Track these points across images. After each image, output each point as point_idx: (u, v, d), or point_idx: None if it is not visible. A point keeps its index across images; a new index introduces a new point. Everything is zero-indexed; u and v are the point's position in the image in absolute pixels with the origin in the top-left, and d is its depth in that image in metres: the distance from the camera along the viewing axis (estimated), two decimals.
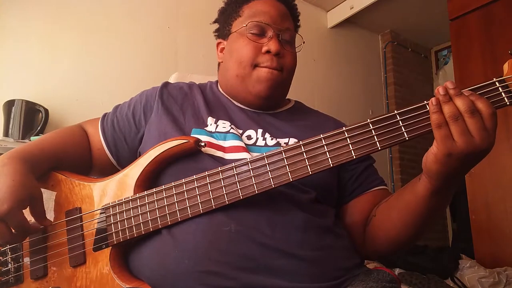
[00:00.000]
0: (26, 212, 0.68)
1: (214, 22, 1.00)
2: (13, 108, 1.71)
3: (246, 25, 0.85)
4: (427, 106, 0.60)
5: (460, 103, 0.58)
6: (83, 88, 2.01)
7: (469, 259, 2.21)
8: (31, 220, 0.69)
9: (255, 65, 0.84)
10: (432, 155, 0.60)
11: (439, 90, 0.59)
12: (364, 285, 0.66)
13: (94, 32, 2.09)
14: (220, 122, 0.83)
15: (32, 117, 1.76)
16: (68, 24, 2.02)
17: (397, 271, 2.07)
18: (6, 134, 1.69)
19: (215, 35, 1.00)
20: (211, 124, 0.82)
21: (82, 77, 2.01)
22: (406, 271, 2.04)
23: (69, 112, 1.93)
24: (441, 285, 1.92)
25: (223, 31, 0.94)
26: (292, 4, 0.94)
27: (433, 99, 0.59)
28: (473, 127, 0.57)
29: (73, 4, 2.04)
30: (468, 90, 0.60)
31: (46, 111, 1.80)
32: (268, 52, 0.83)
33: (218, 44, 0.96)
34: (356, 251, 0.78)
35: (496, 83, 0.60)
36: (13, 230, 0.66)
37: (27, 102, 1.75)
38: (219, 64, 0.96)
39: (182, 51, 2.40)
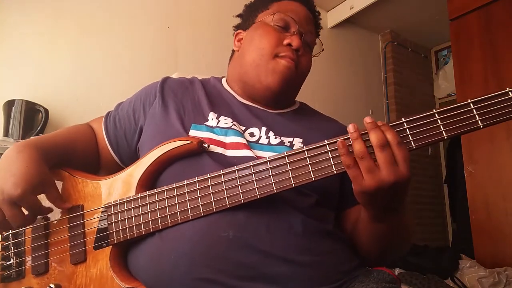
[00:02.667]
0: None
1: (238, 16, 1.00)
2: (13, 108, 1.71)
3: (273, 15, 0.86)
4: (436, 115, 0.60)
5: (373, 136, 0.58)
6: (83, 88, 2.00)
7: (469, 259, 2.21)
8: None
9: (274, 55, 0.83)
10: (353, 191, 0.61)
11: (349, 128, 0.61)
12: (364, 286, 0.66)
13: (94, 32, 2.08)
14: (222, 117, 0.81)
15: (32, 117, 1.76)
16: (68, 24, 2.01)
17: (397, 271, 2.07)
18: (6, 134, 1.69)
19: (235, 28, 0.99)
20: (212, 119, 0.80)
21: (82, 77, 2.01)
22: (406, 271, 2.04)
23: (69, 112, 1.93)
24: (441, 285, 1.92)
25: (245, 23, 0.94)
26: (317, 14, 0.96)
27: (339, 141, 0.61)
28: (381, 161, 0.57)
29: (73, 4, 2.04)
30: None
31: (46, 111, 1.79)
32: (289, 45, 0.83)
33: (237, 34, 0.95)
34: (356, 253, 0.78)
35: (510, 92, 0.59)
36: (25, 212, 0.68)
37: (27, 102, 1.74)
38: (232, 54, 0.95)
39: (182, 51, 2.40)
